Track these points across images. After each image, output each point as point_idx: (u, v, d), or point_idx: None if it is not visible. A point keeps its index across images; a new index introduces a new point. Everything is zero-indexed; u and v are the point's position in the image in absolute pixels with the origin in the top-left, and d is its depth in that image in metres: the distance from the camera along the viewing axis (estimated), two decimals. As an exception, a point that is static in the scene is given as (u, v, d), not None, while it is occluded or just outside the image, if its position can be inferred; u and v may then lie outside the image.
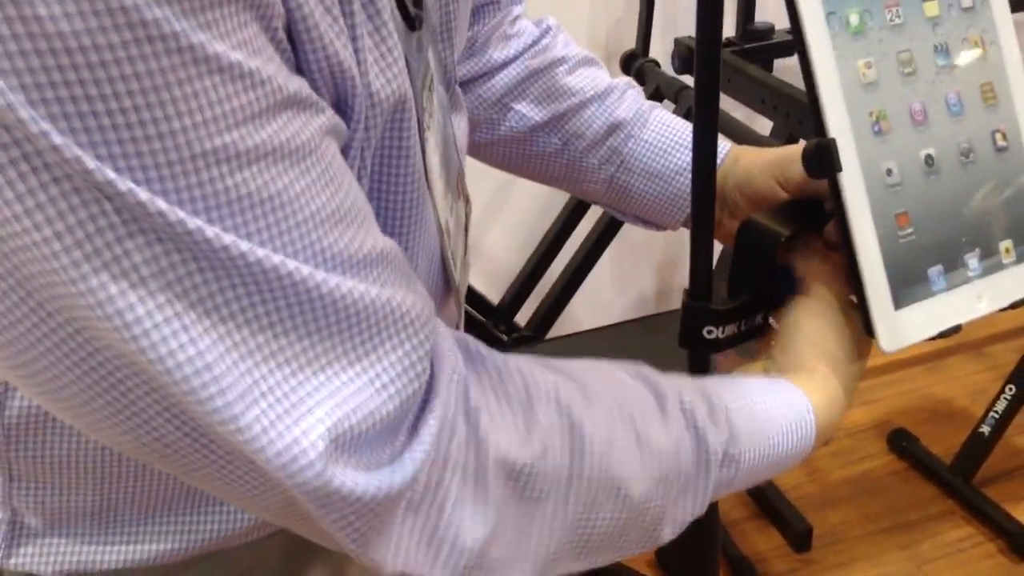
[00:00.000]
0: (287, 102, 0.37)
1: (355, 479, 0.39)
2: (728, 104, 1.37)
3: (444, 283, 0.58)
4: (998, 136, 0.58)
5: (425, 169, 0.51)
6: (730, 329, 0.59)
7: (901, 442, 1.65)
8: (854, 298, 0.55)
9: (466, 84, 0.72)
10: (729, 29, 1.60)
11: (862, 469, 1.63)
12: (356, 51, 0.42)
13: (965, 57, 0.58)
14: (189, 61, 0.33)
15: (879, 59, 0.55)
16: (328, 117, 0.40)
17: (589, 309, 1.72)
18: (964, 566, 1.46)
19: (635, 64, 1.51)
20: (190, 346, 0.35)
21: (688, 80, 1.45)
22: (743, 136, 1.30)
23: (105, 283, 0.34)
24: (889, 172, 0.55)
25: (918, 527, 1.53)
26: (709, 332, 0.59)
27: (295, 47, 0.39)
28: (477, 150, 0.74)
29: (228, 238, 0.35)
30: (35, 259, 0.34)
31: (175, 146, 0.34)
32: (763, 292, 0.59)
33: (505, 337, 1.45)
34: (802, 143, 0.66)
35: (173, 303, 0.35)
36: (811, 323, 0.57)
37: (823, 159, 0.53)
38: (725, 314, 0.58)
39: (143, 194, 0.33)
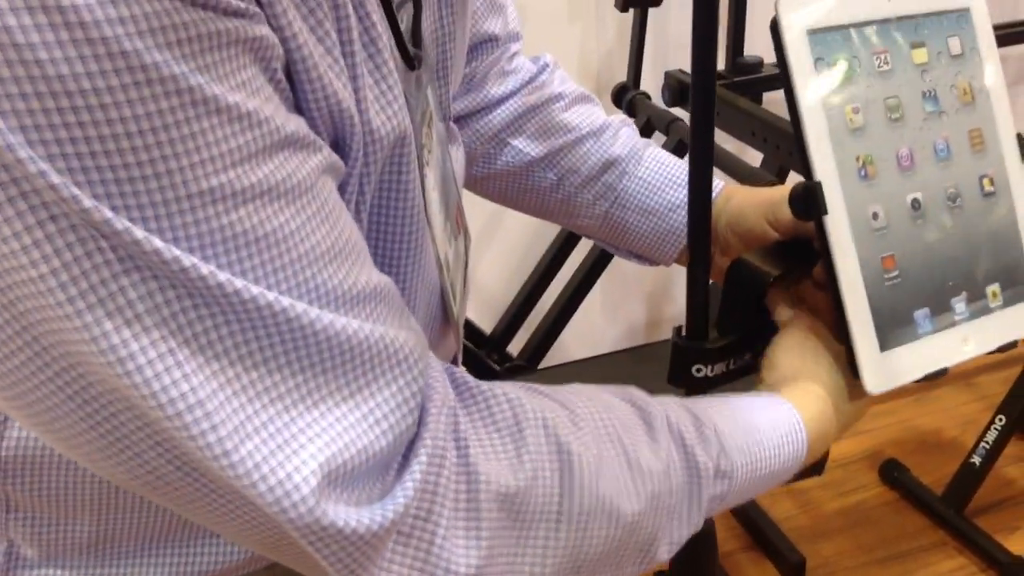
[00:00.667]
0: (284, 142, 0.38)
1: (347, 514, 0.39)
2: (720, 137, 1.38)
3: (443, 316, 0.58)
4: (985, 181, 0.59)
5: (424, 204, 0.51)
6: (719, 367, 0.59)
7: (892, 473, 1.65)
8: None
9: (463, 119, 0.72)
10: (719, 63, 1.62)
11: (854, 500, 1.63)
12: (356, 90, 0.43)
13: (953, 104, 0.58)
14: (188, 103, 0.34)
15: (866, 105, 0.55)
16: (325, 155, 0.41)
17: (579, 339, 1.72)
18: (956, 598, 1.46)
19: (626, 96, 1.52)
20: (183, 382, 0.36)
21: (679, 113, 1.46)
22: (734, 168, 1.31)
23: (99, 319, 0.34)
24: (875, 216, 0.55)
25: (911, 558, 1.53)
26: (699, 370, 0.59)
27: (294, 86, 0.40)
28: (474, 184, 0.75)
29: (222, 276, 0.36)
30: (31, 295, 0.34)
31: (171, 185, 0.34)
32: (752, 331, 0.60)
33: (498, 367, 1.46)
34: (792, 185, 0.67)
35: (167, 340, 0.35)
36: (798, 343, 0.58)
37: (809, 202, 0.54)
38: (714, 352, 0.59)
39: (139, 232, 0.34)
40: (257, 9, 0.37)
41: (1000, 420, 1.51)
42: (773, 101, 1.56)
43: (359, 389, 0.40)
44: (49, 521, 0.50)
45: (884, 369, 0.55)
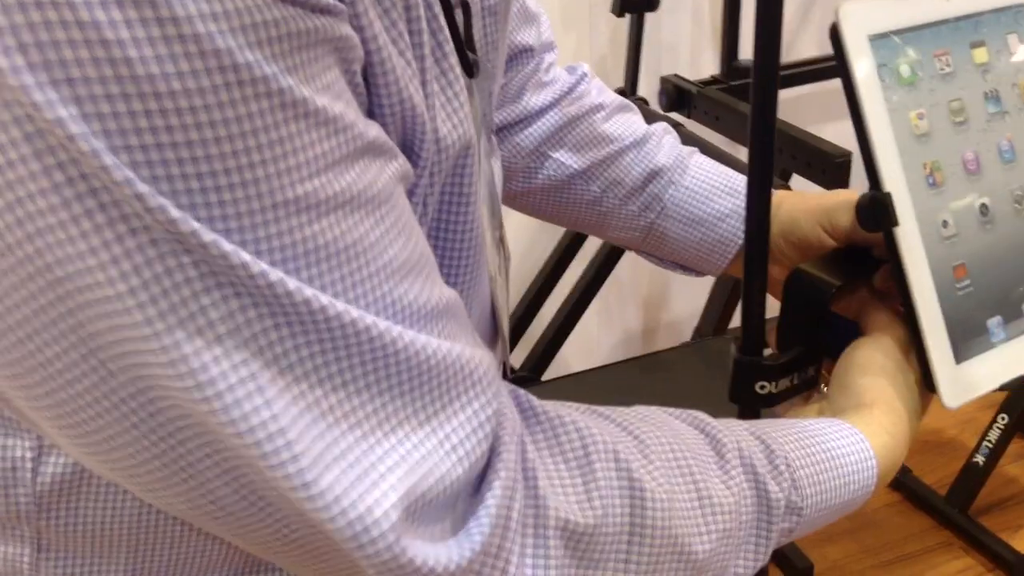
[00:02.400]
0: (365, 149, 0.36)
1: (425, 551, 0.37)
2: (718, 140, 1.37)
3: (492, 332, 0.56)
4: (1050, 182, 0.58)
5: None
6: (783, 383, 0.57)
7: (895, 474, 1.64)
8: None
9: (502, 132, 0.70)
10: (712, 67, 1.61)
11: (858, 503, 1.63)
12: (426, 95, 0.41)
13: (1015, 103, 0.57)
14: (276, 106, 0.32)
15: (931, 109, 0.54)
16: (400, 163, 0.39)
17: (575, 346, 1.70)
18: (966, 599, 1.45)
19: (623, 102, 1.51)
20: (265, 409, 0.34)
21: (676, 118, 1.45)
22: (740, 169, 1.30)
23: (180, 341, 0.32)
24: (945, 224, 0.54)
25: (918, 560, 1.52)
26: (762, 387, 0.57)
27: (369, 89, 0.38)
28: (512, 199, 0.72)
29: (308, 291, 0.34)
30: (105, 314, 0.32)
31: (258, 194, 0.32)
32: (814, 344, 0.58)
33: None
34: (844, 191, 0.65)
35: (249, 362, 0.33)
36: (870, 362, 0.55)
37: (879, 213, 0.52)
38: (778, 369, 0.57)
39: (227, 245, 0.32)
40: (343, 7, 0.35)
41: (1003, 419, 1.51)
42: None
43: (436, 412, 0.38)
44: (83, 561, 0.47)
45: (961, 382, 0.53)
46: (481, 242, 0.49)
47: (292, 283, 0.33)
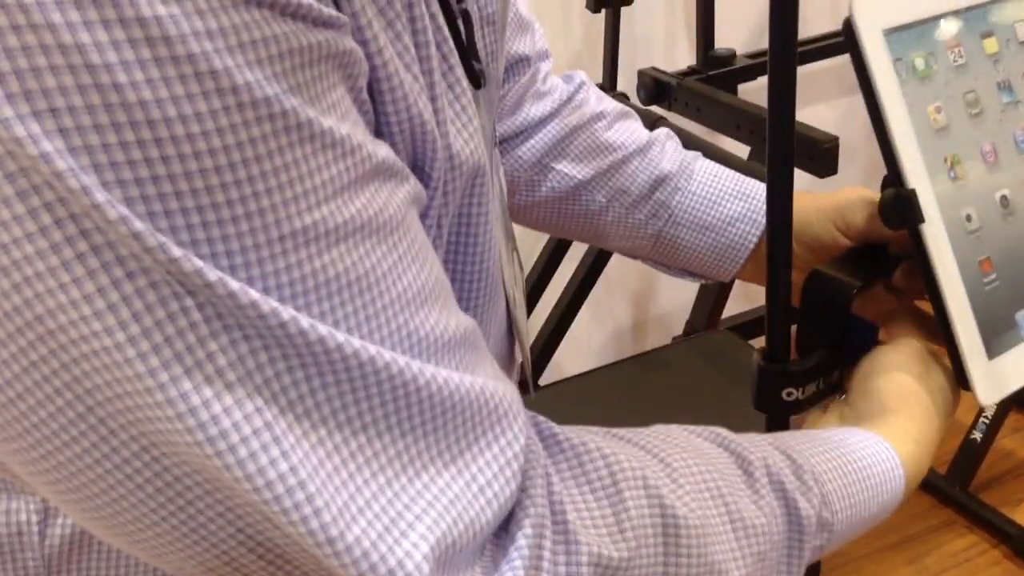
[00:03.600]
0: (375, 171, 0.34)
1: None
2: (699, 131, 1.36)
3: (509, 353, 0.54)
4: (1067, 170, 0.57)
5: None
6: (810, 388, 0.56)
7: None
8: (941, 349, 0.53)
9: (502, 145, 0.69)
10: (688, 58, 1.60)
11: (858, 486, 1.63)
12: (436, 111, 0.39)
13: (1028, 92, 0.56)
14: (281, 129, 0.30)
15: (947, 102, 0.53)
16: (412, 185, 0.37)
17: (565, 344, 1.69)
18: (973, 575, 1.45)
19: (602, 99, 1.49)
20: (282, 460, 0.31)
21: (656, 111, 1.43)
22: (727, 162, 1.29)
23: (186, 392, 0.30)
24: (968, 218, 0.53)
25: (922, 540, 1.52)
26: (789, 394, 0.56)
27: (375, 106, 0.36)
28: (516, 213, 0.71)
29: (323, 328, 0.31)
30: (103, 367, 0.30)
31: (263, 226, 0.30)
32: (837, 347, 0.57)
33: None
34: (857, 188, 0.64)
35: (263, 411, 0.31)
36: (893, 366, 0.54)
37: (904, 210, 0.51)
38: (804, 374, 0.56)
39: (234, 283, 0.30)
40: (346, 19, 0.33)
41: (997, 394, 1.51)
42: (747, 92, 1.54)
43: (461, 452, 0.36)
44: None
45: (994, 378, 0.52)
46: (497, 260, 0.48)
47: (305, 321, 0.31)
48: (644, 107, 1.46)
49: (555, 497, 0.39)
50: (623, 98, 1.49)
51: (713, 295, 1.54)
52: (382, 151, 0.35)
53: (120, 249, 0.28)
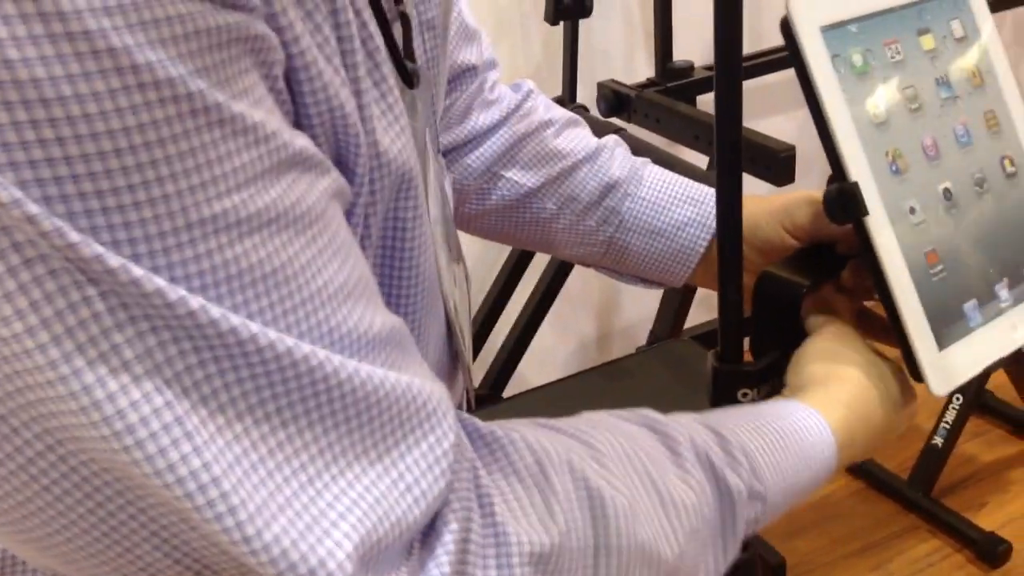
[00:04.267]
0: (292, 160, 0.33)
1: None
2: (658, 142, 1.37)
3: (450, 358, 0.54)
4: (1006, 162, 0.58)
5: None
6: (765, 388, 0.56)
7: (857, 462, 1.65)
8: (890, 348, 0.54)
9: (451, 154, 0.68)
10: (647, 70, 1.61)
11: (822, 494, 1.63)
12: (361, 106, 0.38)
13: (965, 87, 0.57)
14: (186, 112, 0.29)
15: (886, 97, 0.53)
16: (334, 178, 0.36)
17: (531, 359, 1.69)
18: (937, 580, 1.47)
19: (562, 111, 1.50)
20: (194, 456, 0.30)
21: (616, 123, 1.44)
22: (686, 172, 1.30)
23: (90, 385, 0.29)
24: (912, 210, 0.53)
25: (886, 546, 1.53)
26: (744, 395, 0.56)
27: (294, 97, 0.35)
28: (466, 223, 0.70)
29: (235, 319, 0.30)
30: (1, 359, 0.29)
31: (169, 213, 0.29)
32: (789, 346, 0.57)
33: (461, 401, 1.41)
34: (800, 191, 0.65)
35: (173, 405, 0.30)
36: (826, 342, 0.55)
37: (848, 204, 0.51)
38: (758, 375, 0.56)
39: (137, 271, 0.28)
40: (257, 2, 0.32)
41: (957, 399, 1.53)
42: (706, 103, 1.56)
43: (388, 450, 0.35)
44: None
45: (946, 369, 0.52)
46: (434, 266, 0.47)
47: (215, 311, 0.30)
48: (604, 119, 1.47)
49: (482, 490, 0.39)
50: (583, 110, 1.50)
51: (675, 305, 1.54)
52: (299, 141, 0.34)
53: (15, 235, 0.27)
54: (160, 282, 0.29)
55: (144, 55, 0.27)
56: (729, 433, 0.48)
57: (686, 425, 0.47)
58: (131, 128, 0.28)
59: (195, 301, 0.29)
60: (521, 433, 0.42)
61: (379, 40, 0.40)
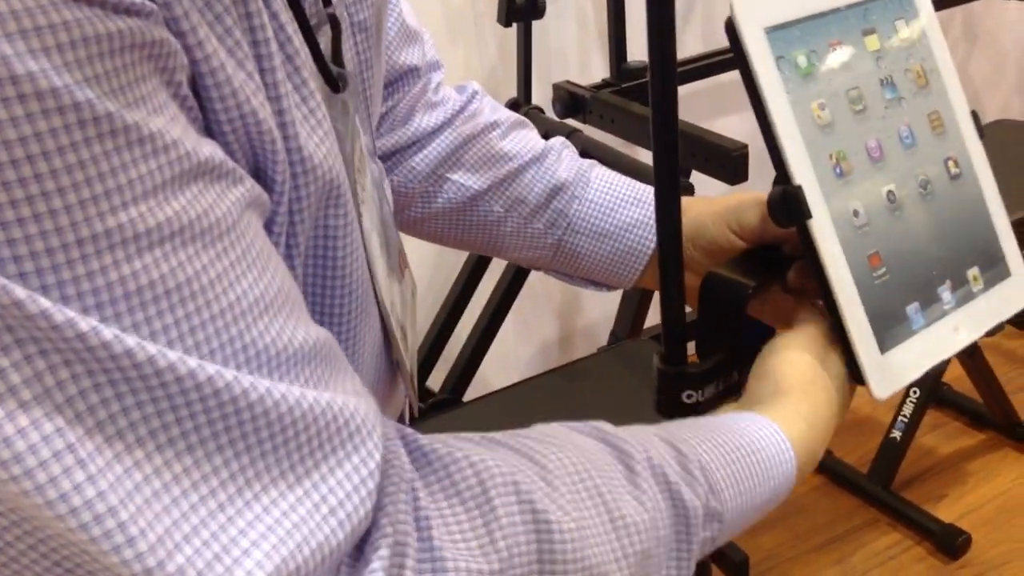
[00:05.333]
0: (198, 170, 0.32)
1: None
2: (615, 143, 1.37)
3: (389, 367, 0.53)
4: (950, 164, 0.58)
5: (365, 247, 0.46)
6: (710, 390, 0.56)
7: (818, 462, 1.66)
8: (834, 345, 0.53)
9: (394, 157, 0.67)
10: (602, 71, 1.61)
11: (785, 489, 1.64)
12: (280, 112, 0.37)
13: (910, 88, 0.57)
14: (74, 123, 0.28)
15: (830, 99, 0.53)
16: (248, 188, 0.35)
17: (493, 361, 1.68)
18: (898, 573, 1.48)
19: (519, 112, 1.49)
20: (88, 486, 0.29)
21: (572, 124, 1.44)
22: (641, 174, 1.30)
23: None
24: (856, 213, 0.53)
25: (847, 540, 1.54)
26: (689, 396, 0.55)
27: (202, 104, 0.34)
28: (412, 226, 0.69)
29: (130, 341, 0.29)
30: None
31: (57, 229, 0.28)
32: (735, 347, 0.57)
33: (421, 404, 1.40)
34: (749, 192, 0.64)
35: (64, 432, 0.28)
36: (787, 351, 0.53)
37: (791, 207, 0.51)
38: (703, 376, 0.55)
39: (20, 292, 0.27)
40: (153, 6, 0.30)
41: (915, 393, 1.54)
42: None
43: (307, 473, 0.34)
44: None
45: (888, 372, 0.52)
46: (367, 276, 0.46)
47: (109, 333, 0.29)
48: (560, 120, 1.47)
49: (421, 513, 0.37)
50: (538, 112, 1.49)
51: (635, 304, 1.54)
52: (207, 150, 0.33)
53: None
54: (45, 303, 0.28)
55: (23, 65, 0.26)
56: (688, 448, 0.46)
57: (643, 439, 0.46)
58: (10, 141, 0.27)
59: (85, 323, 0.28)
60: (465, 452, 0.41)
61: (299, 43, 0.39)
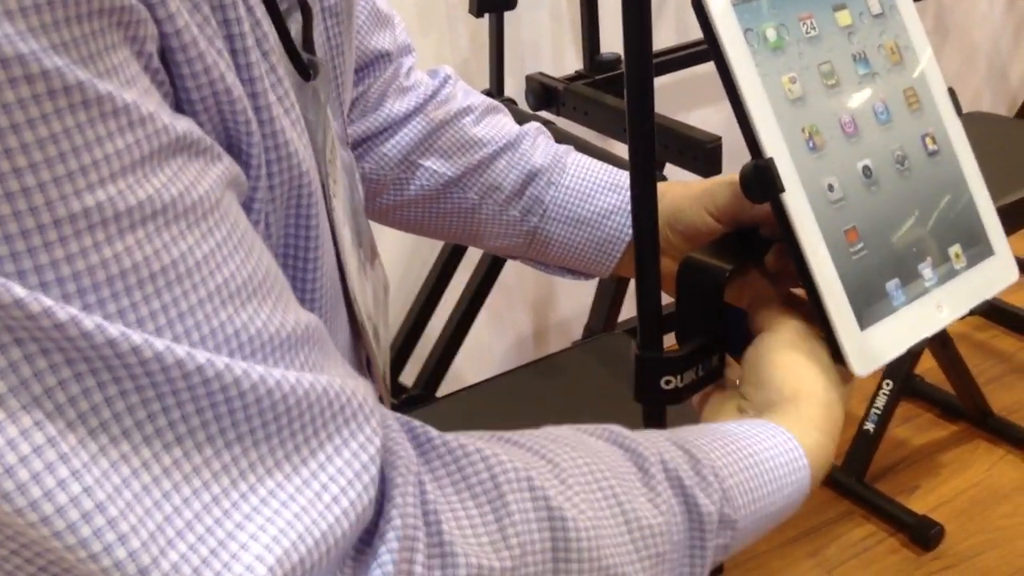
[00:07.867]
0: (176, 145, 0.30)
1: None
2: (589, 136, 1.36)
3: (358, 363, 0.51)
4: (928, 140, 0.57)
5: (335, 239, 0.44)
6: (689, 376, 0.55)
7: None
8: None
9: (366, 143, 0.66)
10: (575, 63, 1.61)
11: (760, 482, 1.64)
12: (253, 94, 0.35)
13: (883, 64, 0.56)
14: (44, 94, 0.26)
15: (802, 73, 0.52)
16: (227, 166, 0.33)
17: (467, 356, 1.67)
18: (872, 564, 1.48)
19: (490, 104, 1.48)
20: (73, 482, 0.27)
21: (545, 116, 1.43)
22: (616, 164, 1.29)
23: None
24: (831, 188, 0.52)
25: (822, 532, 1.54)
26: (668, 382, 0.54)
27: (172, 79, 0.32)
28: (385, 214, 0.68)
29: (113, 330, 0.27)
30: None
31: (30, 208, 0.26)
32: (714, 332, 0.56)
33: (394, 399, 1.38)
34: (725, 173, 0.64)
35: (44, 425, 0.27)
36: (783, 354, 0.52)
37: (763, 181, 0.50)
38: (681, 361, 0.54)
39: None
40: None
41: (888, 384, 1.54)
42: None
43: (305, 460, 0.32)
44: None
45: (868, 349, 0.51)
46: (335, 271, 0.44)
47: (90, 322, 0.27)
48: (533, 112, 1.46)
49: (429, 506, 0.36)
50: (511, 103, 1.48)
51: (610, 297, 1.54)
52: (182, 124, 0.31)
53: None
54: (19, 291, 0.26)
55: None
56: (702, 454, 0.45)
57: (657, 443, 0.45)
58: None
59: (64, 312, 0.26)
60: (477, 445, 0.39)
61: (268, 28, 0.38)
